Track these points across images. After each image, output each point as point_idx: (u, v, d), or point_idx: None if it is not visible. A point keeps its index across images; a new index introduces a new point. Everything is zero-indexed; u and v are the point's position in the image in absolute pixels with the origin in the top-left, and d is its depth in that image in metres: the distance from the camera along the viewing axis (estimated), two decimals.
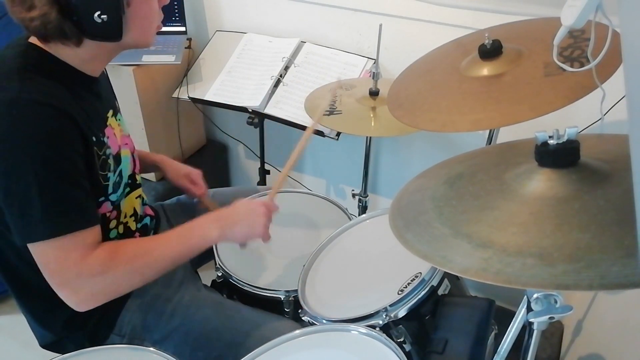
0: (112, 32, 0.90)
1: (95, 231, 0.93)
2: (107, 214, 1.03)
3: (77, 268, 0.90)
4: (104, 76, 1.11)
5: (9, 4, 0.87)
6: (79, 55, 0.94)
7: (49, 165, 0.86)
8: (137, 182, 1.15)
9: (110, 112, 1.06)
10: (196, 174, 1.38)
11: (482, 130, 1.63)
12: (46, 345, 1.13)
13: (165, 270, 0.99)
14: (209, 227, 1.02)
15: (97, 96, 1.02)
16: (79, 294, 0.92)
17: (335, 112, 1.41)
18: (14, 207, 0.87)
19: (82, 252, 0.90)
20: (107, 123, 1.04)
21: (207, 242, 1.02)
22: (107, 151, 1.00)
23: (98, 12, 0.86)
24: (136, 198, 1.16)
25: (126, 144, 1.09)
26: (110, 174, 1.01)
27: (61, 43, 0.90)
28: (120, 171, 1.06)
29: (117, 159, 1.04)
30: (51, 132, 0.86)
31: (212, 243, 1.01)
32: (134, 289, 0.99)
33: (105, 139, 1.00)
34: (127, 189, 1.11)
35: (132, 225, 1.14)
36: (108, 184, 1.00)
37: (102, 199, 1.00)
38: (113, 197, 1.03)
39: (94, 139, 0.95)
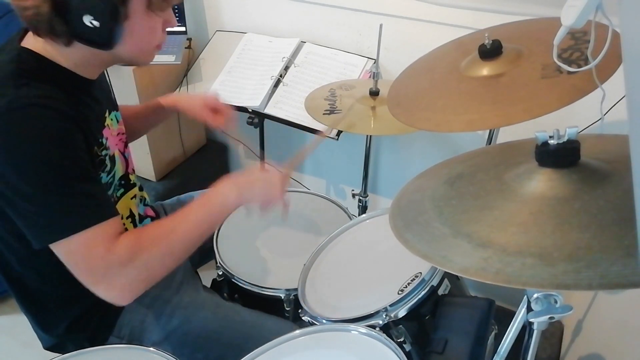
0: (101, 39, 0.88)
1: (116, 222, 0.92)
2: None
3: (105, 261, 0.88)
4: (102, 75, 1.10)
5: None
6: (71, 58, 0.92)
7: (57, 164, 0.85)
8: (132, 183, 1.14)
9: (107, 112, 1.06)
10: (212, 98, 1.31)
11: (476, 131, 1.64)
12: (49, 347, 1.13)
13: (194, 246, 0.97)
14: (227, 191, 1.00)
15: (94, 99, 1.01)
16: (115, 287, 0.90)
17: (335, 112, 1.41)
18: (30, 210, 0.86)
19: (107, 245, 0.89)
20: (105, 124, 1.03)
21: (227, 206, 1.01)
22: (105, 152, 1.00)
23: (90, 17, 0.84)
24: (131, 199, 1.15)
25: (116, 144, 1.08)
26: (103, 175, 1.00)
27: (51, 40, 0.88)
28: (114, 172, 1.05)
29: (113, 159, 1.04)
30: (54, 132, 0.86)
31: (232, 207, 1.00)
32: (169, 270, 0.96)
33: (104, 140, 1.00)
34: (121, 190, 1.10)
35: (129, 227, 1.13)
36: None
37: None
38: None
39: (92, 139, 0.95)
